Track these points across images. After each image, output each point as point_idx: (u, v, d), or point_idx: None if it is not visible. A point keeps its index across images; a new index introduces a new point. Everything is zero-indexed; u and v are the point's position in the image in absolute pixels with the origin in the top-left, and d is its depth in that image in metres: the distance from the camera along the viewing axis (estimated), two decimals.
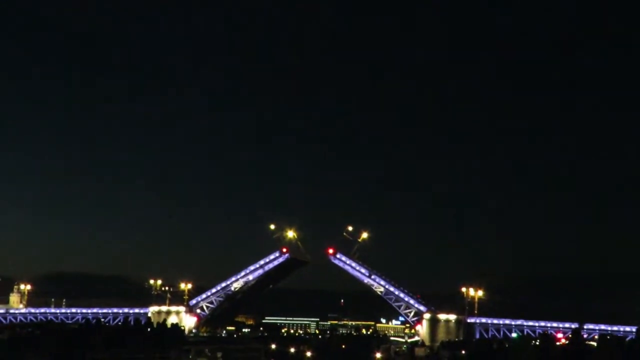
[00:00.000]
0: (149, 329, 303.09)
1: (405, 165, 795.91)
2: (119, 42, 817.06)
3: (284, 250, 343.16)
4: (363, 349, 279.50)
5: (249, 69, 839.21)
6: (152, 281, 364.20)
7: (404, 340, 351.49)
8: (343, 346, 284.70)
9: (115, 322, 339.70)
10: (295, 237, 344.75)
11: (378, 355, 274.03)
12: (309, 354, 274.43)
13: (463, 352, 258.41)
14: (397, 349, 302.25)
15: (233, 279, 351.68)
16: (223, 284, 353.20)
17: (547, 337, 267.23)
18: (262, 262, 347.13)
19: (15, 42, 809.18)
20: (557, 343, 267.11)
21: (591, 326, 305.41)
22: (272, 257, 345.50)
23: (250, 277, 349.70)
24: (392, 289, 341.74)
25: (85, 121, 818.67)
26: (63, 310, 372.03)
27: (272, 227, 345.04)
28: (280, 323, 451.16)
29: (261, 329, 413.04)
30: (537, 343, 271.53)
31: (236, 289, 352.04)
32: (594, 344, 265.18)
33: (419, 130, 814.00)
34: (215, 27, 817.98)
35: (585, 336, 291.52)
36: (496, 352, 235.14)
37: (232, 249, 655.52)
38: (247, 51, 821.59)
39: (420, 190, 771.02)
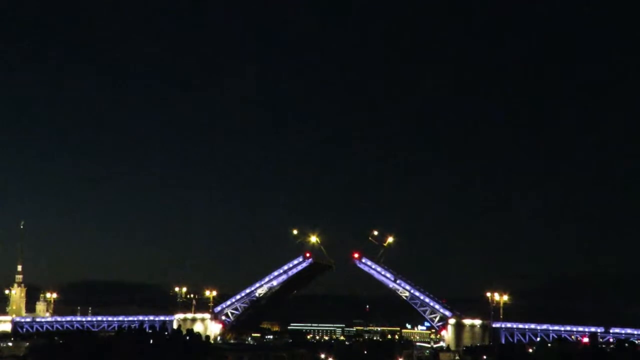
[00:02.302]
0: (187, 337, 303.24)
1: (433, 169, 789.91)
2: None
3: (307, 255, 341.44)
4: (386, 355, 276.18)
5: (268, 66, 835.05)
6: (177, 289, 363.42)
7: (429, 345, 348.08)
8: (365, 352, 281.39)
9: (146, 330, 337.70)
10: (318, 242, 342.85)
11: None
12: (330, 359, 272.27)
13: (485, 357, 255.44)
14: (420, 355, 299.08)
15: (257, 285, 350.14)
16: (247, 290, 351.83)
17: (565, 342, 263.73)
18: (285, 267, 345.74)
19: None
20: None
21: (617, 330, 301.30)
22: (295, 262, 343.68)
23: (275, 283, 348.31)
24: (417, 293, 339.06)
25: (112, 130, 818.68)
26: (89, 319, 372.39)
27: (295, 232, 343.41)
28: (306, 329, 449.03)
29: (286, 335, 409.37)
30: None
31: (260, 295, 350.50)
32: None
33: (445, 133, 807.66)
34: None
35: (610, 340, 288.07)
36: (519, 357, 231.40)
37: (256, 255, 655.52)
38: (269, 50, 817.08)
39: (447, 195, 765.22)
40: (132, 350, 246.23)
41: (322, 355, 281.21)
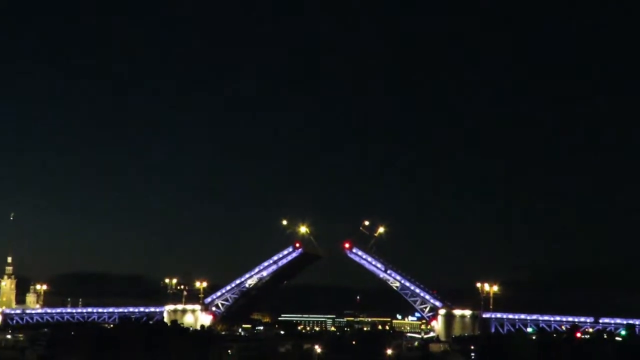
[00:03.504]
0: (190, 329, 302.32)
1: (425, 160, 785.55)
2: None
3: (297, 245, 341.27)
4: (374, 345, 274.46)
5: (264, 64, 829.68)
6: (167, 280, 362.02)
7: (420, 336, 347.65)
8: (354, 342, 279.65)
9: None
10: (308, 232, 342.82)
11: (389, 351, 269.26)
12: (319, 350, 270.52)
13: (472, 347, 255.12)
14: (410, 345, 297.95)
15: (247, 275, 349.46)
16: (237, 281, 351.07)
17: (544, 332, 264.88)
18: (275, 257, 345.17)
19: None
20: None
21: (607, 320, 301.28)
22: (285, 252, 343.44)
23: (265, 273, 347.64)
24: (407, 283, 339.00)
25: (103, 124, 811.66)
26: (79, 310, 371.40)
27: (285, 222, 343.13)
28: (297, 320, 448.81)
29: (277, 326, 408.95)
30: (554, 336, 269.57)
31: (251, 286, 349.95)
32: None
33: (439, 125, 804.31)
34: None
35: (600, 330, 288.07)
36: (501, 346, 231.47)
37: (246, 246, 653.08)
38: (265, 50, 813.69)
39: (439, 184, 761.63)
40: (138, 341, 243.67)
41: (316, 347, 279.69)
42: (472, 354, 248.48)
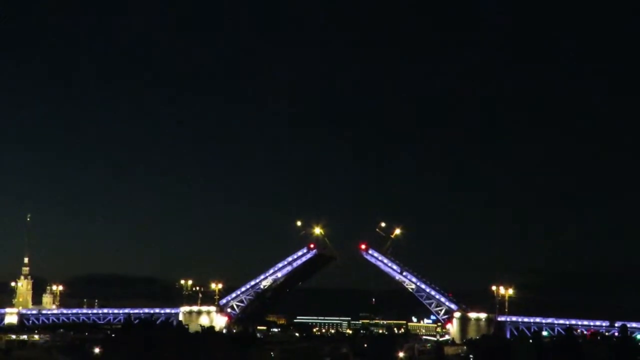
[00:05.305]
0: (225, 332, 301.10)
1: (439, 162, 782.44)
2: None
3: (312, 246, 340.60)
4: (386, 348, 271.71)
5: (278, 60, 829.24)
6: (182, 281, 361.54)
7: (435, 339, 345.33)
8: (365, 345, 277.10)
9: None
10: (322, 233, 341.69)
11: (401, 354, 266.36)
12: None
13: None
14: (422, 348, 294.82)
15: (262, 276, 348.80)
16: (252, 282, 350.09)
17: (538, 334, 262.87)
18: (290, 259, 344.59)
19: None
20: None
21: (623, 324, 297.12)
22: (299, 253, 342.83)
23: (279, 275, 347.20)
24: (423, 286, 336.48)
25: (117, 125, 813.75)
26: (95, 311, 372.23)
27: (299, 223, 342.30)
28: (312, 322, 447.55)
29: (292, 327, 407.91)
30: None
31: (266, 287, 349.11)
32: None
33: (451, 128, 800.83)
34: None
35: (615, 334, 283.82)
36: (500, 349, 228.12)
37: (261, 247, 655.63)
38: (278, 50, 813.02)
39: (454, 188, 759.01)
40: (178, 342, 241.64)
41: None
42: (471, 356, 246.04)
